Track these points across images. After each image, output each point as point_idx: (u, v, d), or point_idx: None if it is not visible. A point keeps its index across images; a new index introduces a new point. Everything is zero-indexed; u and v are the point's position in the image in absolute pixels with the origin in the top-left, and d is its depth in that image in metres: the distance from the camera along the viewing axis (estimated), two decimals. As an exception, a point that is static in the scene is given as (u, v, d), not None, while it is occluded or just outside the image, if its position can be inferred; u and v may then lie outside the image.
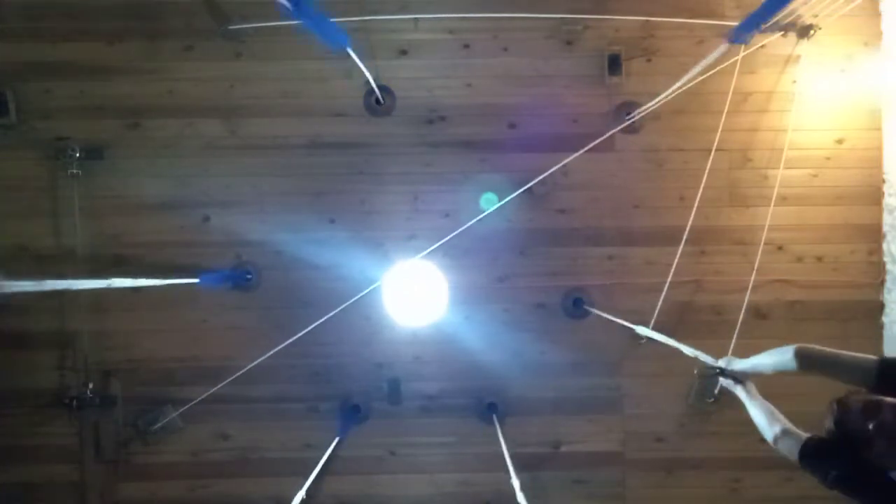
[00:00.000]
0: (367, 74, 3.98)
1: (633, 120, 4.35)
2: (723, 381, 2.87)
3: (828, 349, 2.48)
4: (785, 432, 2.49)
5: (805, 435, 2.43)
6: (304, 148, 4.45)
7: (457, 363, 4.48)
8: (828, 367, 2.47)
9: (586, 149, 4.18)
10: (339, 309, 4.13)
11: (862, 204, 4.46)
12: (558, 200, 4.46)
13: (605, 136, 4.24)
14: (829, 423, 2.30)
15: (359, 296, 4.17)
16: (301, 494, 3.51)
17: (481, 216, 4.23)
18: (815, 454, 2.35)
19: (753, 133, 4.44)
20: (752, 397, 2.73)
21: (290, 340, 4.11)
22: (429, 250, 4.18)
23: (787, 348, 2.53)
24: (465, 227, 4.17)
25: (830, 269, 4.48)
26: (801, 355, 2.49)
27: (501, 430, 4.24)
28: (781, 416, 2.58)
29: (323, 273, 4.40)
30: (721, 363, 2.89)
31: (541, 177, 4.21)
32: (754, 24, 3.59)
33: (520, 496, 3.21)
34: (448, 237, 4.16)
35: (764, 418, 2.60)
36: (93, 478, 4.46)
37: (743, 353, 4.20)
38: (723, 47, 3.68)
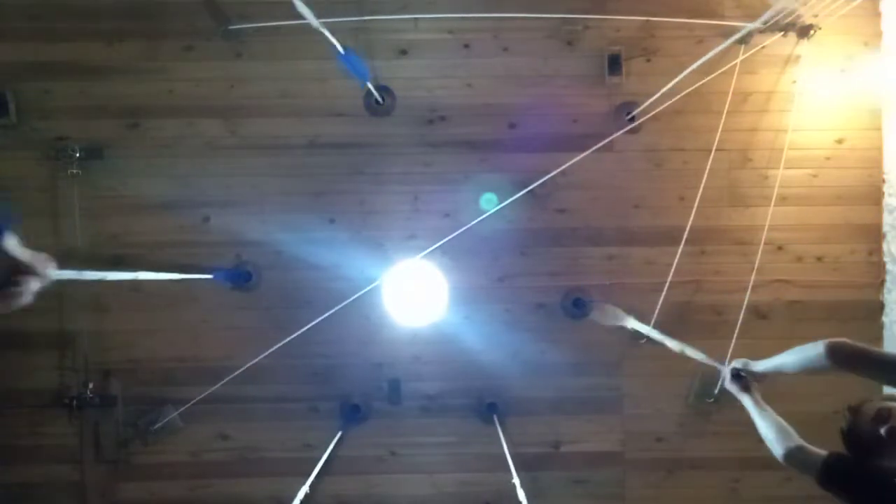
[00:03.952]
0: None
1: (636, 122, 4.34)
2: (728, 385, 2.76)
3: (864, 345, 2.27)
4: (801, 449, 2.40)
5: (822, 452, 2.36)
6: (304, 148, 4.45)
7: (457, 363, 4.48)
8: (864, 366, 2.27)
9: (598, 147, 4.17)
10: (338, 307, 4.11)
11: (862, 204, 4.46)
12: (558, 200, 4.46)
13: (614, 135, 4.23)
14: (844, 428, 2.28)
15: (358, 294, 4.15)
16: (304, 490, 3.50)
17: (483, 217, 4.20)
18: (837, 471, 2.28)
19: (753, 133, 4.44)
20: (761, 407, 2.63)
21: (289, 339, 4.10)
22: (429, 250, 4.17)
23: (816, 344, 2.31)
24: (466, 227, 4.14)
25: (830, 269, 4.48)
26: (833, 351, 2.26)
27: (502, 430, 4.24)
28: (793, 432, 2.49)
29: (323, 273, 4.40)
30: (736, 365, 2.75)
31: (546, 177, 4.18)
32: None
33: (521, 496, 3.20)
34: (449, 237, 4.14)
35: (774, 431, 2.51)
36: (93, 478, 4.46)
37: (743, 353, 4.23)
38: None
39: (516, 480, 3.33)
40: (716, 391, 4.32)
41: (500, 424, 4.28)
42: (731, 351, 4.18)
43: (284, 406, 4.47)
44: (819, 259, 4.48)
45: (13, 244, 2.06)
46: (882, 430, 2.14)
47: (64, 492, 4.45)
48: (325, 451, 4.22)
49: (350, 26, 4.22)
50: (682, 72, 3.98)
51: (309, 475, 3.96)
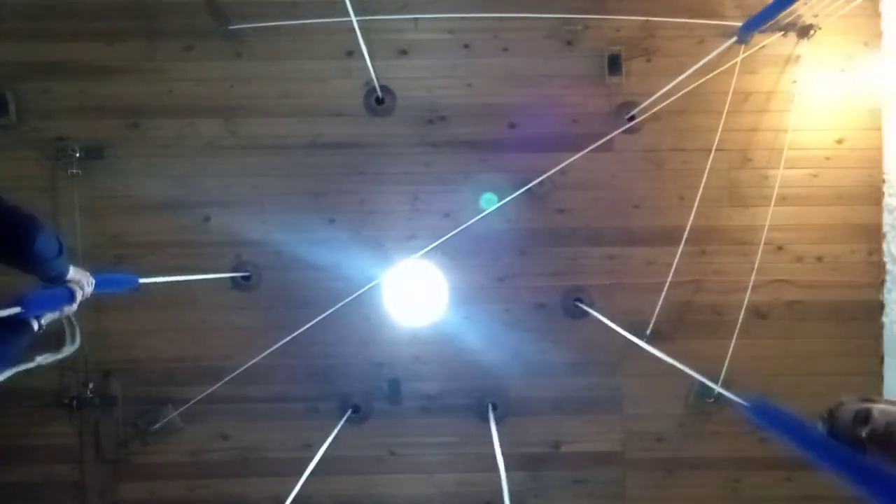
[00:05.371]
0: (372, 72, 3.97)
1: (635, 122, 4.36)
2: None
3: None
4: None
5: None
6: (304, 148, 4.45)
7: (457, 363, 4.48)
8: None
9: (596, 146, 4.17)
10: (338, 305, 4.12)
11: (862, 204, 4.45)
12: (558, 200, 4.46)
13: (614, 133, 4.24)
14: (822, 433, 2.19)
15: (357, 293, 4.16)
16: (297, 487, 3.47)
17: (482, 215, 4.21)
18: None
19: (753, 133, 4.44)
20: None
21: (289, 338, 4.11)
22: (427, 249, 4.18)
23: None
24: (465, 226, 4.16)
25: (830, 269, 4.48)
26: None
27: (499, 430, 4.22)
28: None
29: (323, 273, 4.40)
30: None
31: (543, 176, 4.20)
32: (761, 22, 3.62)
33: (506, 498, 3.17)
34: (447, 236, 4.16)
35: None
36: (93, 478, 4.46)
37: (743, 353, 4.24)
38: (729, 42, 3.69)
39: (504, 487, 3.26)
40: (715, 391, 4.32)
41: (498, 424, 4.26)
42: (730, 351, 4.19)
43: (284, 406, 4.47)
44: (819, 259, 4.48)
45: None
46: (863, 433, 2.06)
47: (64, 492, 4.45)
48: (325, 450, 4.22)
49: (350, 26, 4.22)
50: (682, 72, 3.99)
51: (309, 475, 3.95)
